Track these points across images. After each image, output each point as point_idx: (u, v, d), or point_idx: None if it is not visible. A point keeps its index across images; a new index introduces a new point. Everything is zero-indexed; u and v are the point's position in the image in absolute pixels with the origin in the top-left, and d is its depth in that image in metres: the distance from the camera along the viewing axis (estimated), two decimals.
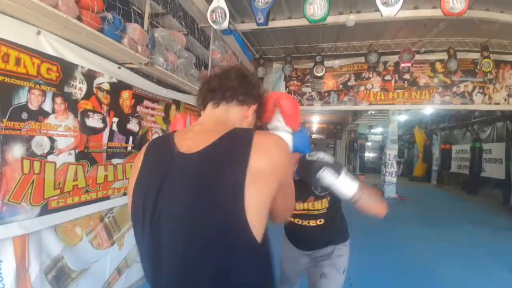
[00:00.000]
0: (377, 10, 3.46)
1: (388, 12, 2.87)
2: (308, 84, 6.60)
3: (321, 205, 1.33)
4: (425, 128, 12.28)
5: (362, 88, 6.36)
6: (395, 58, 5.99)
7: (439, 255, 3.53)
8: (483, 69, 5.18)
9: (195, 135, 0.73)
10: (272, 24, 3.98)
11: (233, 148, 0.66)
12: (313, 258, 1.49)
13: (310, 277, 1.51)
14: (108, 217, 2.35)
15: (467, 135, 9.20)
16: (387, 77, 6.27)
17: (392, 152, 7.23)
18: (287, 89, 6.63)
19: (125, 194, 2.43)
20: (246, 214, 0.60)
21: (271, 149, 0.67)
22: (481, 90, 5.76)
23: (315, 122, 14.30)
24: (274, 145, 0.69)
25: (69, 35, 1.77)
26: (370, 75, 6.31)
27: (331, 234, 1.45)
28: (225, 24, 3.18)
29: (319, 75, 5.75)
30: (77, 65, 1.87)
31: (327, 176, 1.01)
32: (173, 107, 3.22)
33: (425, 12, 3.89)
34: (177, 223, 0.65)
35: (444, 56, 5.75)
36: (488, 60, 5.12)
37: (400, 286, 2.75)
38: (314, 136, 15.29)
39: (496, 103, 5.71)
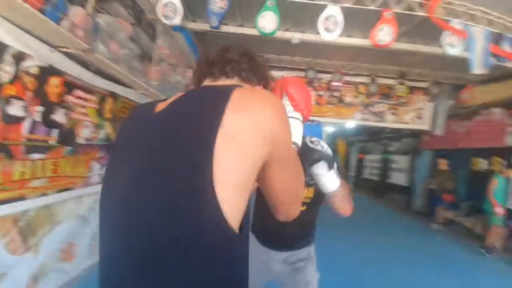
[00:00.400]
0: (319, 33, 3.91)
1: (329, 37, 3.26)
2: None
3: (307, 193, 1.25)
4: (346, 139, 14.07)
5: None
6: (328, 76, 6.74)
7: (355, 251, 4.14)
8: (398, 94, 6.28)
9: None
10: (224, 28, 4.04)
11: (204, 104, 0.52)
12: (289, 263, 1.29)
13: (288, 286, 1.32)
14: (22, 220, 2.03)
15: (377, 147, 10.94)
16: (321, 93, 6.99)
17: None
18: None
19: (44, 194, 2.15)
20: (214, 186, 0.46)
21: (255, 104, 0.52)
22: (393, 111, 6.95)
23: None
24: (262, 99, 0.54)
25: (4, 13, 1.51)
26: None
27: (309, 231, 1.34)
28: (177, 21, 3.09)
29: None
30: (7, 46, 1.59)
31: (322, 168, 1.01)
32: (110, 100, 2.96)
33: (357, 41, 4.53)
34: (130, 190, 0.52)
35: (366, 79, 6.75)
36: (403, 86, 6.24)
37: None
38: None
39: (405, 123, 6.97)
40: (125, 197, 0.53)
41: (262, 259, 1.26)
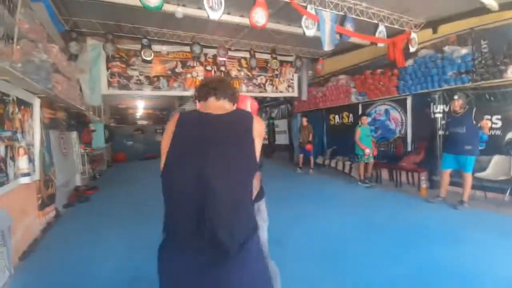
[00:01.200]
0: (201, 7, 4.03)
1: (213, 15, 3.46)
2: (134, 67, 6.30)
3: None
4: None
5: (188, 75, 6.93)
6: (213, 51, 6.99)
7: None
8: (272, 67, 7.25)
9: (212, 109, 1.13)
10: None
11: (243, 118, 1.10)
12: None
13: None
14: None
15: (263, 115, 12.41)
16: (208, 68, 7.20)
17: None
18: (109, 70, 5.99)
19: None
20: (255, 157, 1.01)
21: (260, 123, 1.11)
22: (271, 82, 8.01)
23: (141, 108, 13.59)
24: (261, 121, 1.15)
25: None
26: (195, 64, 6.98)
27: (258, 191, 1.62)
28: None
29: (148, 59, 5.68)
30: None
31: None
32: None
33: (236, 19, 4.91)
34: (222, 155, 0.98)
35: (246, 54, 7.41)
36: (275, 60, 7.22)
37: None
38: (141, 122, 14.51)
39: (280, 92, 8.19)
40: (201, 169, 0.94)
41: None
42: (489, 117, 4.28)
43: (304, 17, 4.05)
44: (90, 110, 7.50)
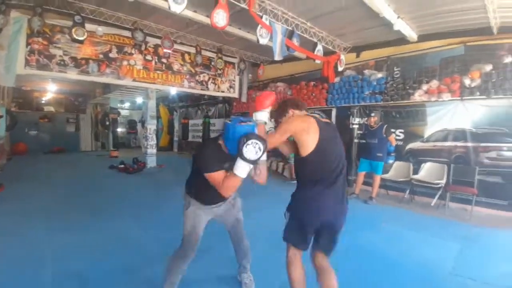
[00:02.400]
0: None
1: (175, 8, 3.36)
2: (59, 45, 5.39)
3: None
4: (168, 106, 14.32)
5: (125, 62, 6.32)
6: (155, 41, 6.58)
7: None
8: (217, 66, 7.28)
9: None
10: None
11: (335, 127, 1.96)
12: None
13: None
14: None
15: (199, 113, 12.20)
16: (148, 57, 6.73)
17: (152, 126, 8.00)
18: (29, 46, 4.98)
19: None
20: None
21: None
22: (213, 81, 8.02)
23: (50, 91, 11.43)
24: None
25: None
26: (133, 51, 6.41)
27: None
28: None
29: (80, 38, 4.95)
30: None
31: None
32: None
33: (189, 13, 4.80)
34: (337, 147, 1.79)
35: (191, 49, 7.24)
36: (221, 60, 7.28)
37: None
38: (48, 108, 12.18)
39: (222, 91, 8.28)
40: (337, 151, 1.79)
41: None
42: (394, 130, 5.45)
43: (260, 26, 4.31)
44: None
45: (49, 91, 11.28)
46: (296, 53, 6.36)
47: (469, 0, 3.97)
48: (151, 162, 8.14)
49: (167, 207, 4.48)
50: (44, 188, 5.50)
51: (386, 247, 3.15)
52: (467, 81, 4.70)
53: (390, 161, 5.08)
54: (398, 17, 4.65)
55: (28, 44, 5.04)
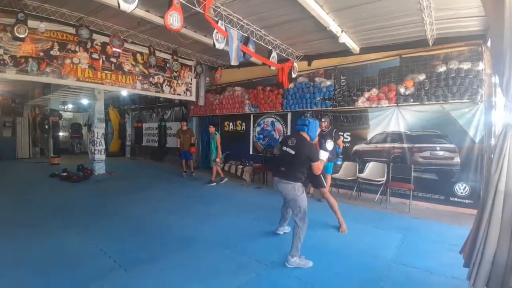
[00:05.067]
0: None
1: (125, 6, 3.23)
2: (0, 44, 4.75)
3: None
4: (119, 108, 13.41)
5: (68, 60, 5.80)
6: (103, 38, 6.18)
7: (158, 206, 4.74)
8: (172, 68, 7.09)
9: None
10: None
11: None
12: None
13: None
14: None
15: (154, 116, 11.67)
16: (95, 56, 6.28)
17: (100, 130, 7.41)
18: None
19: None
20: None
21: None
22: (169, 83, 7.78)
23: None
24: None
25: None
26: (77, 49, 5.92)
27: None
28: None
29: (21, 36, 4.46)
30: None
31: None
32: None
33: (140, 12, 4.64)
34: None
35: (143, 49, 6.95)
36: (177, 62, 7.10)
37: (141, 239, 3.50)
38: None
39: (178, 94, 8.06)
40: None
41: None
42: (342, 133, 5.92)
43: (215, 31, 4.35)
44: None
45: None
46: (253, 59, 6.55)
47: (408, 15, 4.34)
48: (100, 169, 7.53)
49: (117, 216, 4.22)
50: None
51: (334, 240, 3.41)
52: (402, 89, 5.33)
53: (339, 163, 5.49)
54: (342, 31, 5.09)
55: None
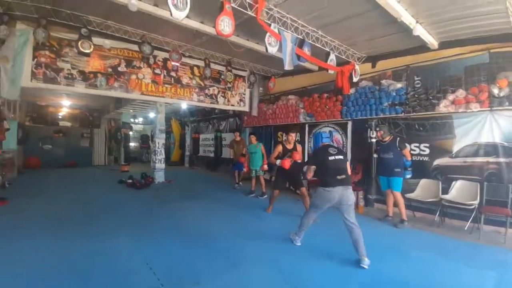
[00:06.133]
0: (157, 4, 3.69)
1: (177, 14, 3.18)
2: (67, 59, 5.38)
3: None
4: (180, 120, 14.33)
5: (133, 76, 6.27)
6: (164, 54, 6.54)
7: (208, 216, 4.57)
8: (226, 79, 7.12)
9: None
10: None
11: None
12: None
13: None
14: None
15: (210, 127, 12.05)
16: (157, 71, 6.67)
17: (161, 140, 7.83)
18: (36, 59, 4.99)
19: None
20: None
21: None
22: (223, 94, 7.85)
23: (65, 106, 11.70)
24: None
25: None
26: (141, 65, 6.36)
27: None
28: None
29: (86, 51, 4.92)
30: None
31: None
32: None
33: (195, 24, 4.68)
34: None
35: (199, 63, 7.15)
36: (230, 73, 7.12)
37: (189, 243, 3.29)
38: (63, 123, 12.43)
39: (232, 105, 8.08)
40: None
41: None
42: (418, 144, 4.97)
43: (268, 34, 4.08)
44: (5, 105, 6.09)
45: (64, 106, 11.53)
46: (308, 65, 6.12)
47: (491, 3, 3.59)
48: (159, 177, 7.92)
49: (167, 224, 4.16)
50: (47, 203, 5.35)
51: (417, 278, 2.65)
52: (495, 90, 4.23)
53: (408, 176, 4.56)
54: (417, 22, 4.30)
55: (34, 57, 5.05)
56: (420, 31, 4.37)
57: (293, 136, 4.91)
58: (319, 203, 3.09)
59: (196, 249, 3.29)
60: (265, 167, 5.79)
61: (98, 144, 13.28)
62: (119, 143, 11.63)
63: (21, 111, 9.22)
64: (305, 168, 3.83)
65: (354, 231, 2.86)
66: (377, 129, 4.74)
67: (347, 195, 2.91)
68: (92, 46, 5.00)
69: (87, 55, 5.13)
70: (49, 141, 11.76)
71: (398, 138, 4.65)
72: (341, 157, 3.01)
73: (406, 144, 4.83)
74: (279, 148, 4.88)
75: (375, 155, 5.80)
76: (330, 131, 6.95)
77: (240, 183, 7.81)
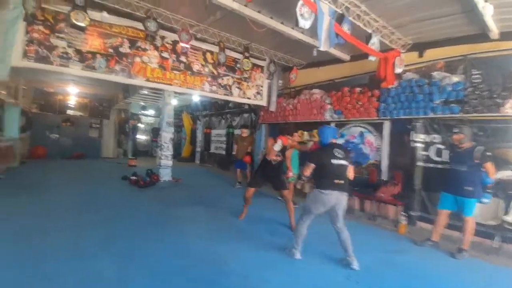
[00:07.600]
0: None
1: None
2: (62, 35, 4.65)
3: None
4: (191, 114, 13.56)
5: (137, 59, 5.48)
6: (173, 36, 5.72)
7: (212, 236, 3.71)
8: (243, 67, 6.22)
9: None
10: None
11: None
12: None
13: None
14: None
15: (222, 122, 11.21)
16: (165, 55, 5.86)
17: (168, 135, 7.02)
18: (28, 35, 4.29)
19: None
20: None
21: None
22: (238, 85, 6.96)
23: (74, 95, 11.20)
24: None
25: None
26: (147, 47, 5.57)
27: None
28: None
29: (79, 24, 4.16)
30: None
31: None
32: None
33: None
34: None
35: (213, 48, 6.29)
36: (248, 60, 6.22)
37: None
38: (70, 112, 11.96)
39: (248, 98, 7.18)
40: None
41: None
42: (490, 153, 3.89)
43: (301, 2, 3.14)
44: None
45: (71, 93, 11.02)
46: (338, 52, 5.15)
47: None
48: (166, 175, 7.12)
49: (166, 237, 3.32)
50: (39, 200, 4.69)
51: None
52: None
53: (486, 200, 3.42)
54: (486, 1, 3.28)
55: (27, 31, 4.34)
56: (490, 12, 3.34)
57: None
58: (313, 206, 2.95)
59: (198, 281, 2.43)
60: (290, 174, 4.80)
61: (107, 135, 12.75)
62: (127, 135, 11.01)
63: (26, 98, 8.69)
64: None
65: (343, 233, 2.92)
66: (454, 130, 3.67)
67: (342, 201, 2.90)
68: (88, 18, 4.23)
69: (81, 29, 4.37)
70: (56, 130, 11.30)
71: (481, 147, 3.43)
72: (345, 162, 2.94)
73: (490, 154, 3.50)
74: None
75: (419, 163, 4.79)
76: (361, 132, 5.93)
77: (241, 183, 7.14)
